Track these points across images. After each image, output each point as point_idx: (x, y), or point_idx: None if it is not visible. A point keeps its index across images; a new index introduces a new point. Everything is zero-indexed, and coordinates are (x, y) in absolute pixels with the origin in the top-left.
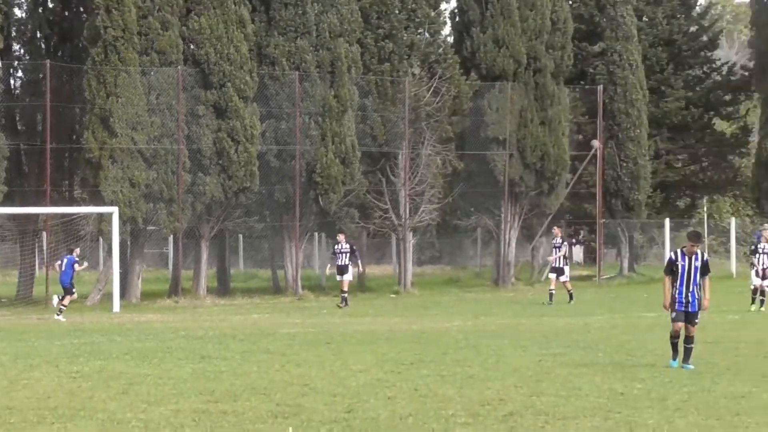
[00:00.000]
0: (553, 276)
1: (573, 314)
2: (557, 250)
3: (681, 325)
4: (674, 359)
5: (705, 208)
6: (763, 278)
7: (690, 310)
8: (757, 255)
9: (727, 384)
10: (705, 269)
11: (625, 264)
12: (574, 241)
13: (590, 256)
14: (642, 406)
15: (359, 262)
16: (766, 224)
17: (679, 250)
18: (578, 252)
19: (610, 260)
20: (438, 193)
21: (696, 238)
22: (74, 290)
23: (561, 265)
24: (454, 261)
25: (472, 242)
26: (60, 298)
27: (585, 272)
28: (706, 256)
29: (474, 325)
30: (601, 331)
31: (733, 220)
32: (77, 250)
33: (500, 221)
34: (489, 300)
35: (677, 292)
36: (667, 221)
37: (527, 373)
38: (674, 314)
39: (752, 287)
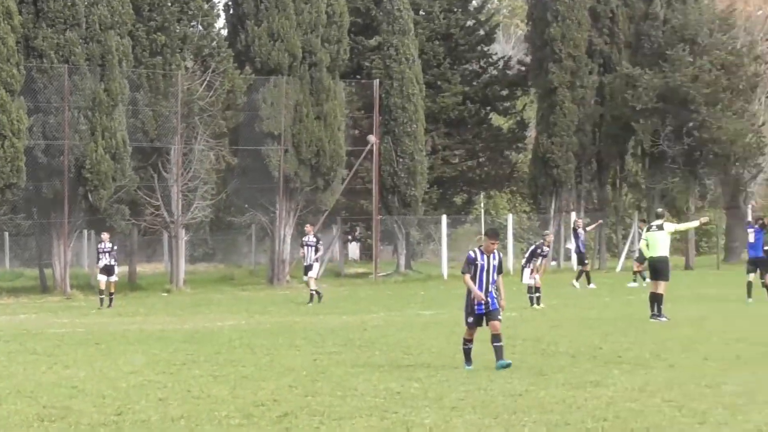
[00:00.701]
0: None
1: (349, 312)
2: (309, 248)
3: (476, 330)
4: (468, 364)
5: (482, 204)
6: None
7: (491, 308)
8: (539, 258)
9: (504, 382)
10: (500, 268)
11: (402, 261)
12: (350, 237)
13: (366, 253)
14: (419, 405)
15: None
16: (548, 230)
17: (477, 249)
18: (354, 249)
19: (386, 257)
20: (211, 189)
21: (496, 236)
22: None
23: (311, 263)
24: (228, 258)
25: (246, 239)
26: None
27: (361, 269)
28: (500, 254)
29: (248, 324)
30: (377, 330)
31: (510, 217)
32: None
33: (275, 218)
34: (263, 298)
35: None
36: (443, 218)
37: (302, 372)
38: (471, 318)
39: (527, 286)
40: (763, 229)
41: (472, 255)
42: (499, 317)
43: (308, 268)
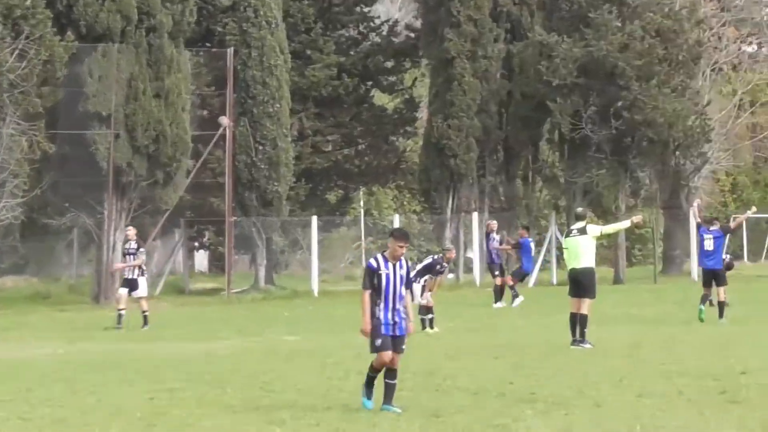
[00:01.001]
0: (123, 291)
1: (194, 338)
2: (131, 257)
3: (390, 355)
4: (369, 398)
5: (361, 203)
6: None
7: (398, 333)
8: (437, 275)
9: (390, 425)
10: (408, 280)
11: (262, 273)
12: (197, 245)
13: (217, 264)
14: None
15: None
16: (450, 246)
17: (380, 255)
18: (202, 259)
19: (242, 269)
20: (23, 184)
21: (405, 237)
22: None
23: (135, 277)
24: (44, 271)
25: (66, 247)
26: None
27: (210, 284)
28: (408, 262)
29: (68, 353)
30: (229, 360)
31: (396, 218)
32: None
33: (103, 220)
34: (87, 320)
35: (381, 312)
36: (314, 220)
37: (135, 414)
38: (380, 341)
39: (419, 306)
40: (725, 233)
41: (374, 264)
42: (403, 347)
43: (131, 283)
